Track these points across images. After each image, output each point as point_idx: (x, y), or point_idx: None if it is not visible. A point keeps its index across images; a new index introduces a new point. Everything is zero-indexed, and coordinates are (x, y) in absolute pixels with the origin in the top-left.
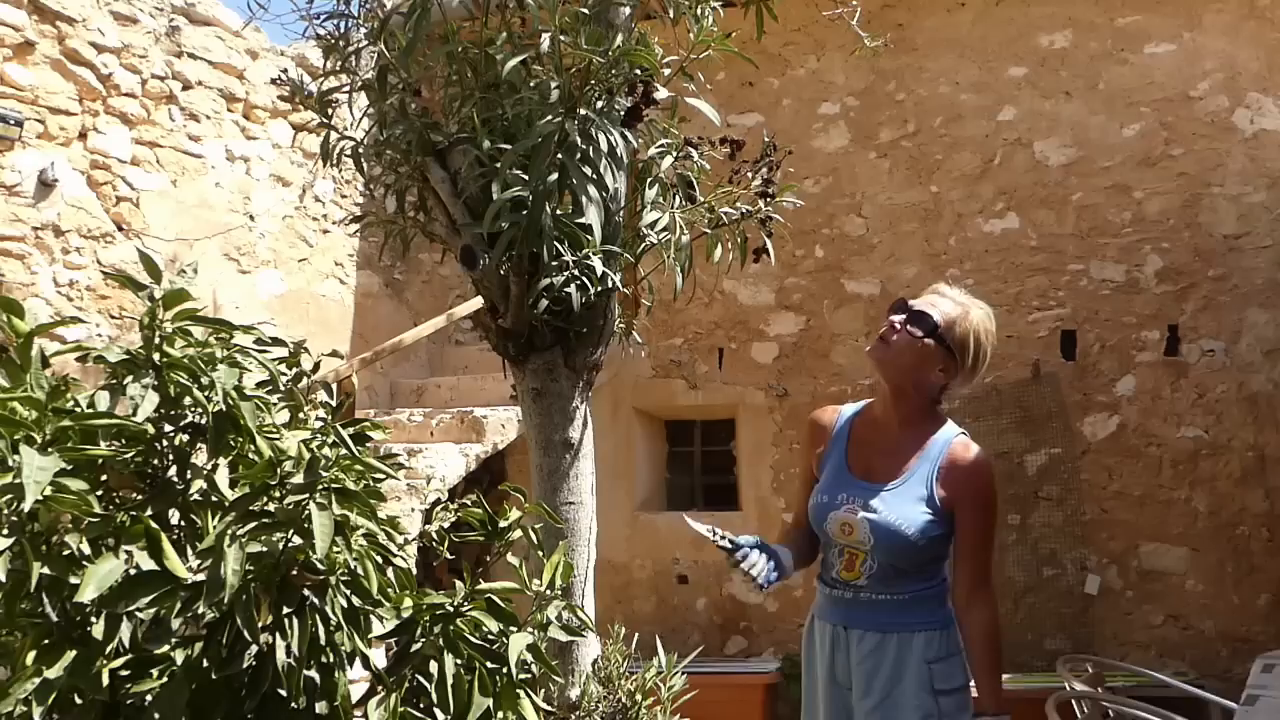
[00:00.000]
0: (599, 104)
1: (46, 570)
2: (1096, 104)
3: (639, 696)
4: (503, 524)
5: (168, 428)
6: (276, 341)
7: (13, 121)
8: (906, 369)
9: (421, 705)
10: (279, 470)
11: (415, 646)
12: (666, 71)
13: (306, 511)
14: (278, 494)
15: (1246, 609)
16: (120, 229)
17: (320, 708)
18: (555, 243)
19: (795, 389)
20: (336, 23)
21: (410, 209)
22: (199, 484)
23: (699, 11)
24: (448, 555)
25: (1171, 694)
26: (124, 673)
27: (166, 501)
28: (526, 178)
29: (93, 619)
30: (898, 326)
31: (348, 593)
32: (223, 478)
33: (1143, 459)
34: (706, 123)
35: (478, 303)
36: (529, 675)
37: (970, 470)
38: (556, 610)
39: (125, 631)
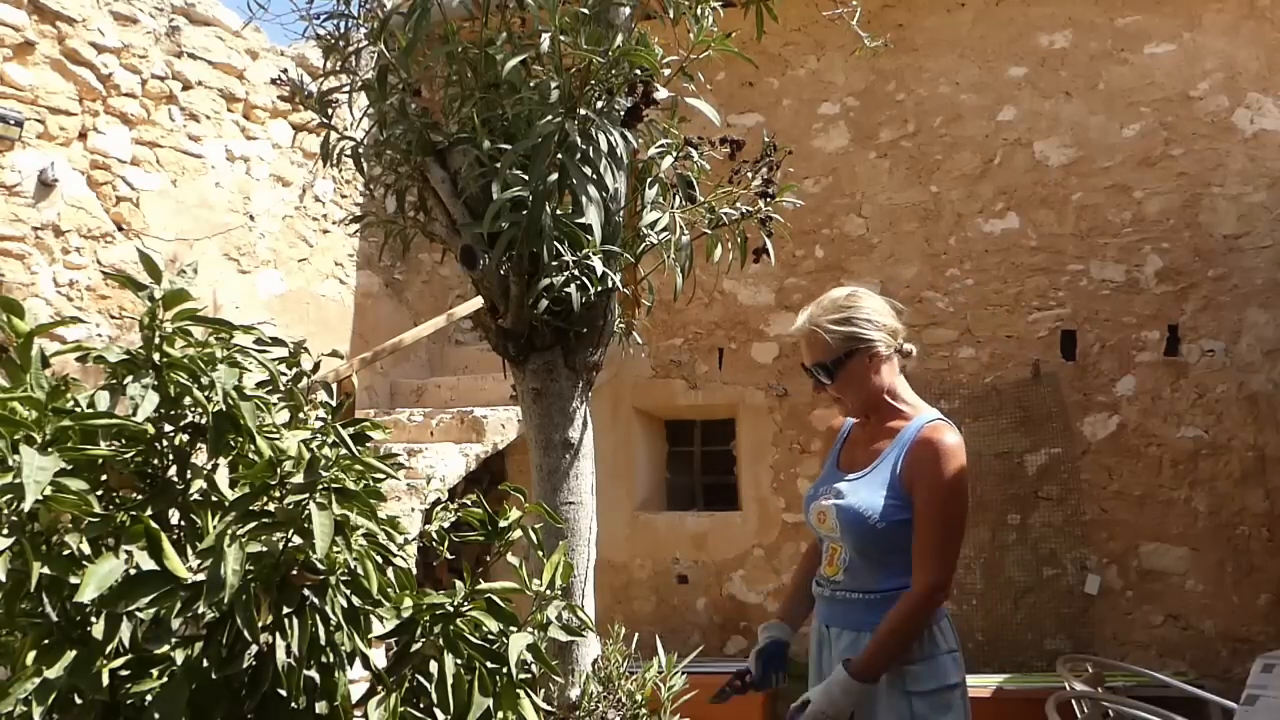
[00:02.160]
0: (599, 104)
1: (46, 570)
2: (1096, 104)
3: (639, 696)
4: (503, 524)
5: (168, 428)
6: (276, 341)
7: (13, 121)
8: (857, 397)
9: (421, 705)
10: (279, 470)
11: (415, 646)
12: (666, 71)
13: (306, 511)
14: (278, 494)
15: (1246, 609)
16: (120, 229)
17: (320, 708)
18: (555, 243)
19: (795, 389)
20: (336, 23)
21: (410, 209)
22: (199, 484)
23: (699, 11)
24: (448, 555)
25: (1171, 694)
26: (124, 673)
27: (166, 501)
28: (526, 178)
29: (93, 619)
30: (827, 389)
31: (348, 593)
32: (223, 478)
33: (1143, 459)
34: (706, 123)
35: (478, 303)
36: (529, 675)
37: (927, 448)
38: (556, 610)
39: (125, 631)
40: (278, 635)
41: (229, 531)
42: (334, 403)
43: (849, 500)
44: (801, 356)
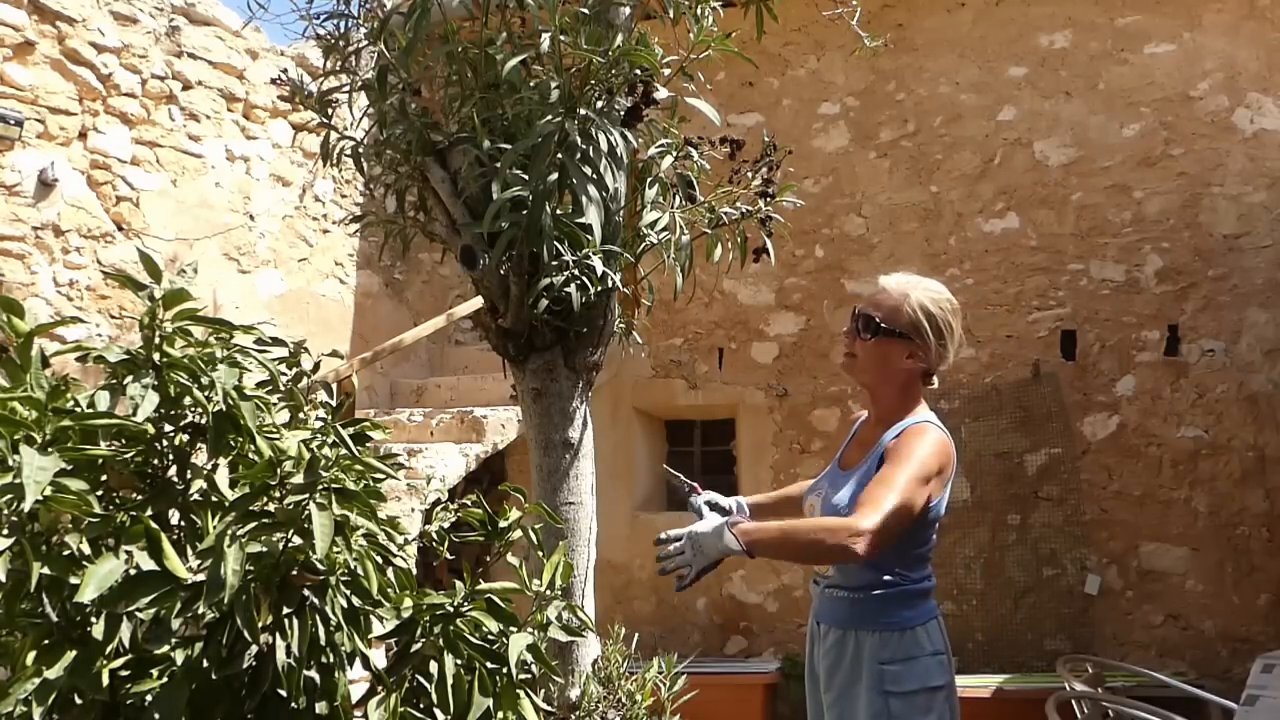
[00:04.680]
0: (599, 104)
1: (46, 570)
2: (1096, 104)
3: (639, 696)
4: (503, 524)
5: (168, 428)
6: (276, 341)
7: (13, 121)
8: (873, 369)
9: (421, 705)
10: (279, 470)
11: (415, 646)
12: (666, 71)
13: (306, 511)
14: (278, 494)
15: (1246, 609)
16: (120, 229)
17: (320, 708)
18: (555, 243)
19: (795, 389)
20: (336, 23)
21: (410, 209)
22: (199, 484)
23: (699, 11)
24: (448, 555)
25: (1171, 694)
26: (124, 673)
27: (166, 501)
28: (526, 178)
29: (93, 619)
30: (855, 340)
31: (348, 593)
32: (223, 478)
33: (1143, 459)
34: (706, 123)
35: (478, 303)
36: (529, 675)
37: (904, 432)
38: (556, 610)
39: (125, 631)
40: (278, 635)
41: (229, 531)
42: (334, 403)
43: (831, 496)
44: (864, 302)
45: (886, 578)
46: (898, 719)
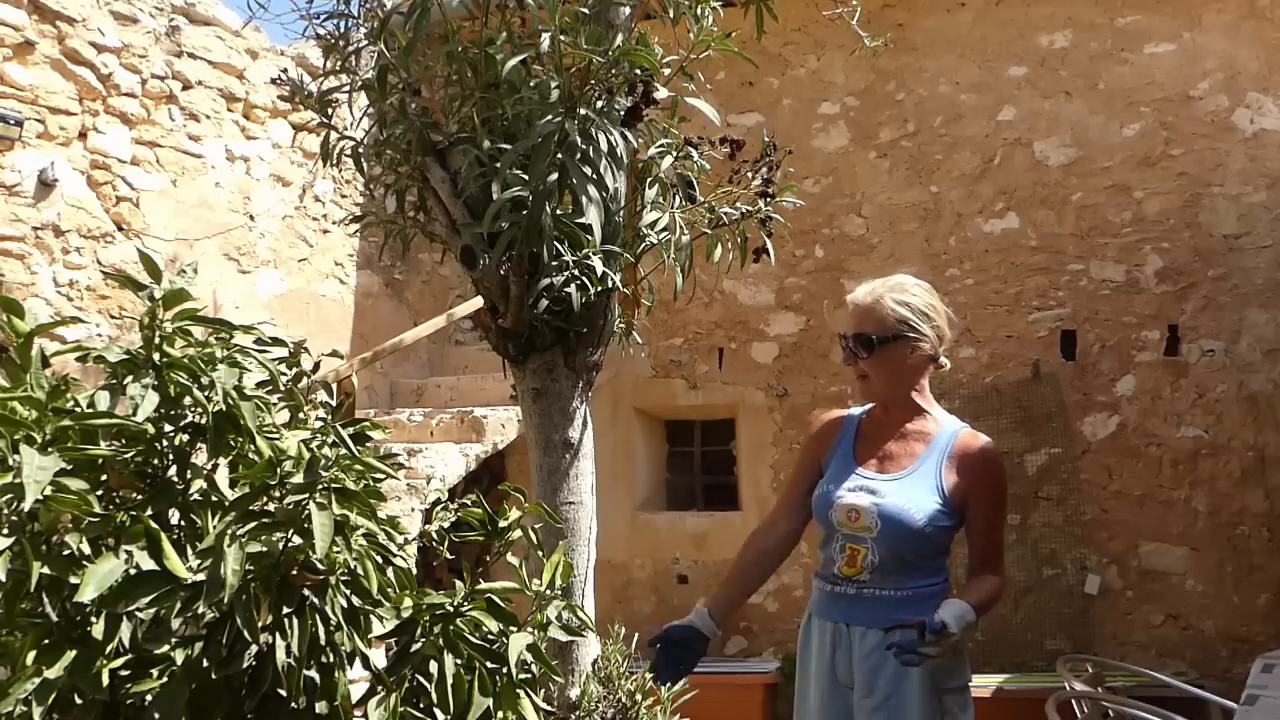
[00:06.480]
0: (599, 104)
1: (46, 570)
2: (1096, 104)
3: (639, 696)
4: (503, 524)
5: (168, 428)
6: (276, 341)
7: (13, 121)
8: (888, 380)
9: (421, 705)
10: (279, 470)
11: (415, 646)
12: (666, 71)
13: (306, 511)
14: (278, 494)
15: (1246, 609)
16: (120, 229)
17: (320, 708)
18: (555, 243)
19: (795, 389)
20: (336, 23)
21: (410, 209)
22: (199, 484)
23: (699, 11)
24: (448, 555)
25: (1171, 694)
26: (124, 673)
27: (166, 501)
28: (526, 178)
29: (93, 619)
30: (856, 363)
31: (348, 593)
32: (223, 478)
33: (1143, 459)
34: (706, 123)
35: (478, 303)
36: (529, 675)
37: (983, 460)
38: (556, 610)
39: (125, 631)
40: (278, 635)
41: (229, 531)
42: (334, 403)
43: (892, 500)
44: (846, 326)
45: (933, 575)
46: (950, 714)
